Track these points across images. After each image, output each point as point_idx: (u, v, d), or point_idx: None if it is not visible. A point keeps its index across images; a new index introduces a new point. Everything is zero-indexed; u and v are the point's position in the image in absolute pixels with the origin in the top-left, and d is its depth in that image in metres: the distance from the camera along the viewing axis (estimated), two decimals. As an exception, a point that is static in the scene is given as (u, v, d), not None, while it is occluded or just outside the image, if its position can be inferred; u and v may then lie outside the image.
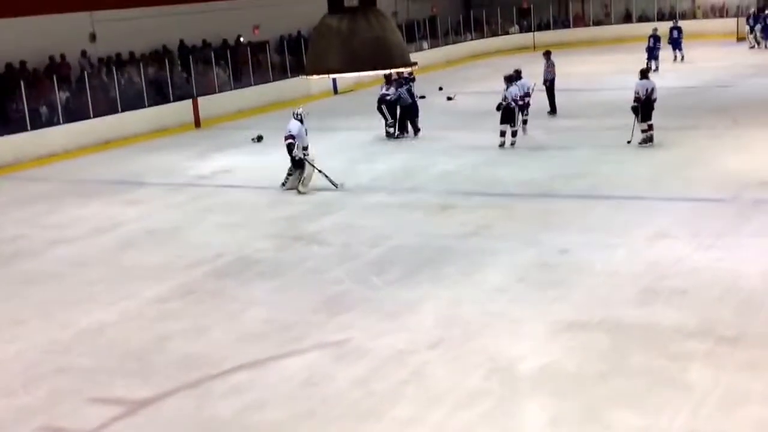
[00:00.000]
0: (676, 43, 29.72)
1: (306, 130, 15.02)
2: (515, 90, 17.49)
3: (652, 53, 27.09)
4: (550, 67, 21.08)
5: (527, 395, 7.19)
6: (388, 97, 19.38)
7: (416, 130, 19.63)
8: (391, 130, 19.53)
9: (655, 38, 27.48)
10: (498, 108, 17.32)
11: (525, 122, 18.31)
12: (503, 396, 7.21)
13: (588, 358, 7.76)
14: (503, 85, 17.60)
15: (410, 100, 19.63)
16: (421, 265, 10.70)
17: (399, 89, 19.38)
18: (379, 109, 19.56)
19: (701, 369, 7.38)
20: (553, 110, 20.97)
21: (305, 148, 14.97)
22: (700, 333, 8.08)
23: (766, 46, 31.71)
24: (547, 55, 21.45)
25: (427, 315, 9.09)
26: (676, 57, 29.68)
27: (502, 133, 17.19)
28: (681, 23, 31.04)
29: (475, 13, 39.34)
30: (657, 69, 25.99)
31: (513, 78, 17.94)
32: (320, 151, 18.56)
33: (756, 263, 9.83)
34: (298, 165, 14.92)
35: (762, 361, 7.46)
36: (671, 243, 10.81)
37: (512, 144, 17.21)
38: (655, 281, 9.53)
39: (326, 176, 14.78)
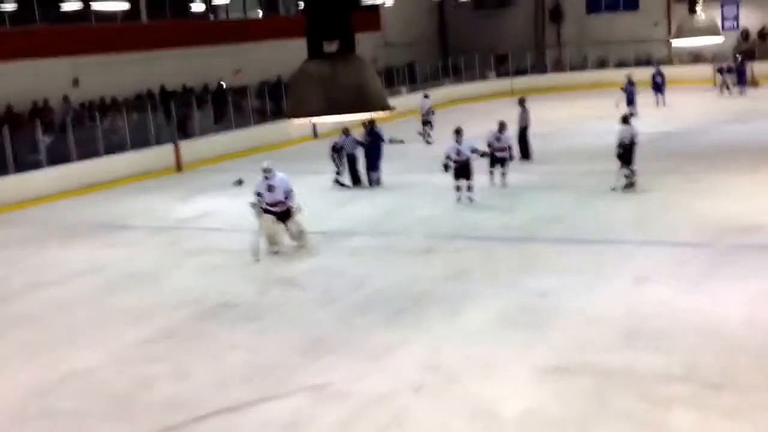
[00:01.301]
0: (658, 88, 30.14)
1: (270, 184, 13.57)
2: (460, 146, 16.73)
3: (632, 99, 27.43)
4: (524, 113, 21.25)
5: (511, 438, 7.20)
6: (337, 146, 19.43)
7: (371, 181, 19.33)
8: (340, 179, 19.51)
9: (631, 84, 27.85)
10: (445, 168, 16.81)
11: (504, 175, 17.99)
12: (487, 439, 7.22)
13: (571, 402, 7.78)
14: (469, 135, 17.50)
15: (353, 151, 19.41)
16: (402, 308, 10.73)
17: (344, 138, 19.32)
18: (331, 157, 19.59)
19: (684, 413, 7.41)
20: (526, 156, 21.03)
21: (276, 204, 13.62)
22: (683, 377, 8.12)
23: (740, 92, 32.21)
24: (522, 101, 21.68)
25: (409, 358, 9.10)
26: (658, 101, 30.06)
27: (458, 188, 16.69)
28: (660, 68, 31.48)
29: (453, 59, 39.80)
30: (637, 114, 26.28)
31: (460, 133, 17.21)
32: (300, 194, 18.66)
33: (737, 307, 9.89)
34: (282, 218, 13.77)
35: (745, 406, 7.48)
36: (652, 287, 10.89)
37: (469, 199, 16.59)
38: (636, 325, 9.58)
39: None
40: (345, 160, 19.45)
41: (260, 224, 13.67)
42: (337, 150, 19.56)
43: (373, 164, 19.45)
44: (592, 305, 10.33)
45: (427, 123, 26.32)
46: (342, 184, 19.47)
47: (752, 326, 9.31)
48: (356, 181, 19.51)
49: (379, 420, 7.69)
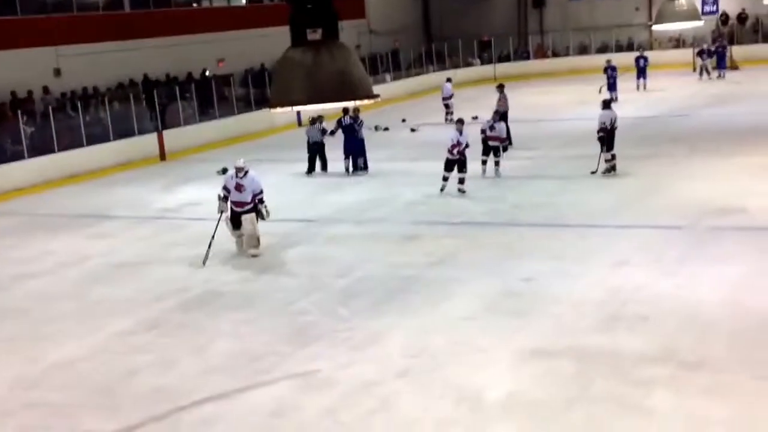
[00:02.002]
0: (642, 72, 30.27)
1: (239, 183, 12.81)
2: (460, 137, 16.31)
3: (613, 84, 27.55)
4: (502, 100, 21.29)
5: (495, 423, 7.28)
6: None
7: (347, 169, 19.47)
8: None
9: (612, 69, 27.96)
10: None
11: (497, 164, 17.78)
12: (471, 424, 7.30)
13: (554, 385, 7.87)
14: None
15: (319, 139, 19.61)
16: (387, 295, 10.79)
17: (310, 126, 19.71)
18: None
19: (664, 394, 7.52)
20: (510, 141, 21.02)
21: (247, 204, 12.93)
22: (663, 359, 8.23)
23: (720, 75, 32.39)
24: (500, 88, 21.70)
25: (394, 345, 9.17)
26: (639, 86, 30.19)
27: (445, 179, 16.40)
28: (644, 53, 31.61)
29: (437, 46, 39.82)
30: (617, 99, 26.38)
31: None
32: (285, 183, 18.71)
33: (716, 289, 10.03)
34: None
35: (723, 385, 7.61)
36: (633, 270, 11.01)
37: (461, 191, 16.27)
38: (617, 308, 9.69)
39: (209, 245, 12.95)
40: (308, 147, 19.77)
41: (222, 220, 13.12)
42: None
43: (347, 153, 19.51)
44: (574, 289, 10.43)
45: (447, 106, 26.52)
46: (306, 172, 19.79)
47: (730, 308, 9.43)
48: (311, 169, 19.73)
49: (365, 406, 7.75)
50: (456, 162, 16.23)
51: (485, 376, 8.19)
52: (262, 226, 13.16)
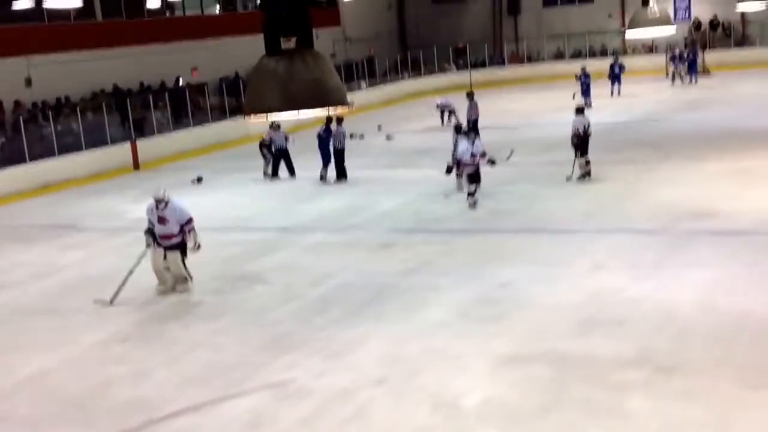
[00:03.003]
0: (616, 78, 30.50)
1: (160, 216, 11.52)
2: (473, 148, 15.55)
3: (587, 90, 27.73)
4: (473, 107, 21.31)
5: (472, 429, 7.25)
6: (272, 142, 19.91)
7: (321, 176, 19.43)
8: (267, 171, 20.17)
9: (585, 75, 28.14)
10: (448, 171, 16.41)
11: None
12: (448, 431, 7.26)
13: (530, 391, 7.85)
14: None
15: (284, 146, 19.80)
16: (363, 303, 10.74)
17: (273, 133, 19.85)
18: (261, 153, 20.24)
19: (640, 398, 7.52)
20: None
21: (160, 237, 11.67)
22: (639, 363, 8.24)
23: (692, 81, 32.66)
24: (470, 96, 21.73)
25: (370, 352, 9.12)
26: (613, 92, 30.42)
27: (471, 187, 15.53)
28: (618, 59, 31.87)
29: (412, 53, 39.89)
30: (591, 105, 26.56)
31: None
32: (260, 191, 18.64)
33: (691, 293, 10.07)
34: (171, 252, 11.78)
35: (699, 389, 7.62)
36: (609, 275, 11.03)
37: (473, 204, 15.36)
38: (594, 312, 9.70)
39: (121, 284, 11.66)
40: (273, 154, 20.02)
41: (149, 255, 11.79)
42: (266, 145, 20.01)
43: (324, 161, 19.45)
44: (550, 294, 10.44)
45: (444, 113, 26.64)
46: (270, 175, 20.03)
47: (705, 311, 9.46)
48: (275, 173, 19.93)
49: (341, 415, 7.70)
50: (474, 172, 15.43)
51: (462, 382, 8.16)
52: (232, 240, 13.06)
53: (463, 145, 15.66)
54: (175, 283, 11.78)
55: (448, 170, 16.32)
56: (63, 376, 9.21)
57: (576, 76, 28.27)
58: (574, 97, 25.79)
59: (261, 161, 20.45)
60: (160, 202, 11.47)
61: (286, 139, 19.76)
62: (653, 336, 8.90)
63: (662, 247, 12.05)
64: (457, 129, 17.70)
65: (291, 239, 14.40)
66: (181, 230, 11.60)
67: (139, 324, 10.72)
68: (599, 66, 31.58)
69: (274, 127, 19.74)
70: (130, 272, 11.65)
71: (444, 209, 15.62)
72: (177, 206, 11.61)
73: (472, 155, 15.42)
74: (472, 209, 15.28)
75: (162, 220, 11.52)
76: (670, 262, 11.34)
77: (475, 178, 15.45)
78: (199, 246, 11.72)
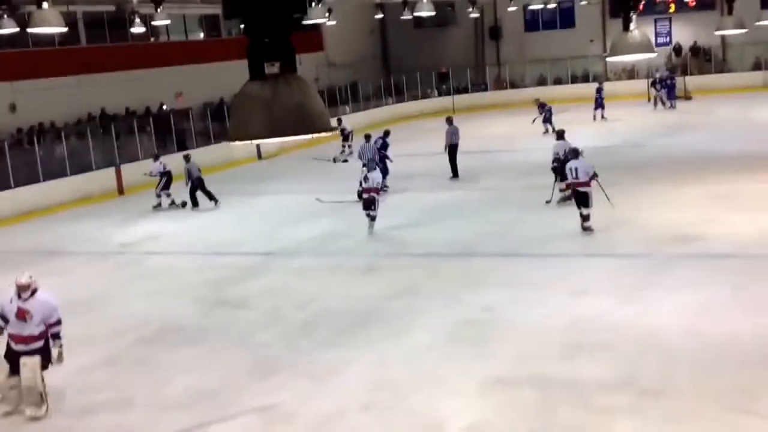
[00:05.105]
0: (598, 103, 30.76)
1: (21, 308, 8.67)
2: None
3: (548, 117, 28.11)
4: (454, 132, 21.32)
5: (457, 453, 7.25)
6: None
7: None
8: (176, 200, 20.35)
9: (542, 106, 28.56)
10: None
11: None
12: (434, 455, 7.26)
13: (516, 415, 7.86)
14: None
15: (198, 173, 19.93)
16: (348, 327, 10.74)
17: (190, 163, 20.02)
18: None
19: (626, 422, 7.55)
20: (455, 174, 21.08)
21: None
22: (624, 387, 8.27)
23: (671, 106, 32.95)
24: (449, 120, 21.81)
25: (356, 377, 9.11)
26: (596, 116, 30.66)
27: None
28: (602, 84, 32.18)
29: (395, 78, 40.06)
30: (551, 131, 27.19)
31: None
32: (245, 215, 18.63)
33: (675, 316, 10.12)
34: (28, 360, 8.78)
35: (685, 412, 7.65)
36: (593, 299, 11.07)
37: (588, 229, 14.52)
38: (578, 336, 9.73)
39: None
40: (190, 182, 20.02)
41: None
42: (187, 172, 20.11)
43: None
44: (535, 318, 10.47)
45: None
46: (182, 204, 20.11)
47: (689, 334, 9.51)
48: (195, 203, 19.93)
49: (327, 440, 7.68)
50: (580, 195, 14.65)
51: (448, 406, 8.16)
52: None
53: (578, 163, 14.90)
54: (26, 403, 8.72)
55: (359, 196, 16.25)
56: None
57: (536, 102, 28.85)
58: (534, 122, 27.41)
59: (244, 186, 20.47)
60: (25, 289, 8.64)
61: (199, 170, 20.03)
62: (638, 360, 8.93)
63: (645, 271, 12.11)
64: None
65: (275, 263, 14.39)
66: (43, 334, 8.75)
67: (123, 350, 10.65)
68: (581, 90, 31.81)
69: (187, 158, 20.16)
70: None
71: (427, 233, 15.63)
72: (46, 299, 8.78)
73: (585, 174, 14.63)
74: (588, 234, 14.49)
75: (23, 313, 8.61)
76: (653, 285, 11.39)
77: (585, 200, 14.61)
78: (62, 358, 8.93)
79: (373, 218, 15.81)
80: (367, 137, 20.07)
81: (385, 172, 19.61)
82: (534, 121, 27.87)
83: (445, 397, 8.38)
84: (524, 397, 8.21)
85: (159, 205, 20.15)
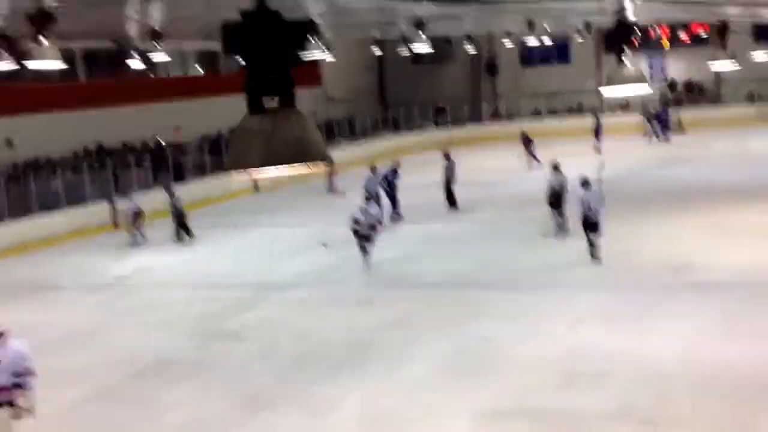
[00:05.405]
0: (597, 134, 31.04)
1: None
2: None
3: (534, 152, 28.37)
4: (449, 165, 21.44)
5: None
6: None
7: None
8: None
9: (526, 139, 28.78)
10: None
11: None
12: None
13: (512, 446, 7.85)
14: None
15: (182, 208, 20.08)
16: (344, 359, 10.73)
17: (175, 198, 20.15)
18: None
19: (622, 452, 7.55)
20: (454, 206, 21.20)
21: None
22: (622, 417, 8.27)
23: (666, 139, 33.13)
24: (446, 155, 21.93)
25: (351, 409, 9.09)
26: (595, 148, 30.87)
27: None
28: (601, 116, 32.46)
29: (393, 112, 40.25)
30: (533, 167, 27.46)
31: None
32: (243, 248, 18.65)
33: (671, 346, 10.13)
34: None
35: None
36: (589, 329, 11.09)
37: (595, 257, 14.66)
38: (574, 366, 9.73)
39: None
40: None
41: None
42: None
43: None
44: (530, 349, 10.47)
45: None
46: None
47: (685, 364, 9.53)
48: (180, 237, 19.93)
49: (322, 472, 7.66)
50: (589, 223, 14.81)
51: (443, 438, 8.14)
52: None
53: (589, 194, 14.89)
54: None
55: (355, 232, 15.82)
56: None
57: (521, 136, 29.00)
58: (517, 156, 27.82)
59: (241, 218, 20.48)
60: None
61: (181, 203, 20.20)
62: (634, 390, 8.94)
63: (641, 301, 12.13)
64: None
65: (271, 295, 14.38)
66: (10, 386, 8.18)
67: (118, 383, 10.62)
68: (577, 123, 31.94)
69: (171, 194, 20.30)
70: None
71: (424, 265, 15.66)
72: (16, 349, 8.30)
73: (597, 203, 14.74)
74: (597, 262, 14.56)
75: None
76: (649, 315, 11.41)
77: (597, 228, 14.68)
78: (32, 410, 8.30)
79: (368, 253, 15.74)
80: (373, 169, 20.20)
81: (395, 202, 19.95)
82: (518, 155, 28.08)
83: (442, 429, 8.37)
84: (521, 429, 8.21)
85: (136, 243, 20.12)
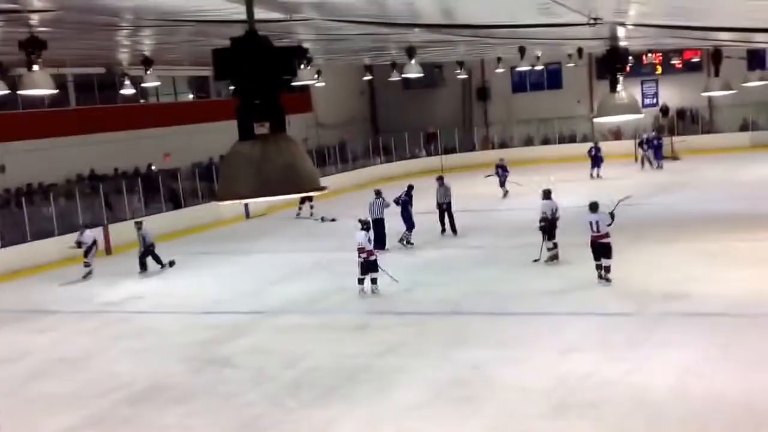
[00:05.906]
0: (596, 161, 31.24)
1: None
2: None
3: (503, 181, 28.49)
4: (446, 191, 21.53)
5: None
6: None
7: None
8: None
9: (502, 168, 28.94)
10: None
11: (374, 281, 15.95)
12: None
13: (504, 474, 7.79)
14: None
15: (151, 240, 19.97)
16: (336, 385, 10.68)
17: (144, 229, 20.08)
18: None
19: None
20: (454, 231, 21.31)
21: None
22: (612, 444, 8.23)
23: (658, 166, 33.27)
24: (440, 180, 22.01)
25: (343, 436, 9.04)
26: (593, 174, 31.06)
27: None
28: (598, 143, 32.64)
29: (384, 138, 40.35)
30: (505, 195, 28.08)
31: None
32: (234, 274, 18.60)
33: (664, 376, 10.10)
34: None
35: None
36: (581, 357, 11.06)
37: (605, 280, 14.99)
38: (566, 395, 9.70)
39: None
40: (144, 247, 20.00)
41: None
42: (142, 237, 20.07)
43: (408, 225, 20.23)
44: (522, 376, 10.43)
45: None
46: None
47: (678, 394, 9.50)
48: (143, 267, 19.86)
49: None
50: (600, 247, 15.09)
51: (435, 466, 8.08)
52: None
53: (597, 216, 15.32)
54: None
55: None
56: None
57: (497, 166, 29.19)
58: (487, 176, 28.29)
59: (232, 245, 20.42)
60: None
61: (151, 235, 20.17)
62: (627, 419, 8.90)
63: (634, 329, 12.12)
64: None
65: (263, 321, 14.34)
66: None
67: (109, 409, 10.55)
68: (570, 150, 32.03)
69: (139, 225, 20.27)
70: None
71: (415, 291, 15.62)
72: None
73: (606, 226, 15.14)
74: (607, 284, 14.81)
75: None
76: (641, 343, 11.39)
77: (607, 251, 15.08)
78: None
79: (373, 280, 15.70)
80: (378, 193, 20.33)
81: (410, 224, 20.11)
82: (488, 176, 28.45)
83: (433, 457, 8.31)
84: (512, 456, 8.15)
85: (90, 273, 19.93)
